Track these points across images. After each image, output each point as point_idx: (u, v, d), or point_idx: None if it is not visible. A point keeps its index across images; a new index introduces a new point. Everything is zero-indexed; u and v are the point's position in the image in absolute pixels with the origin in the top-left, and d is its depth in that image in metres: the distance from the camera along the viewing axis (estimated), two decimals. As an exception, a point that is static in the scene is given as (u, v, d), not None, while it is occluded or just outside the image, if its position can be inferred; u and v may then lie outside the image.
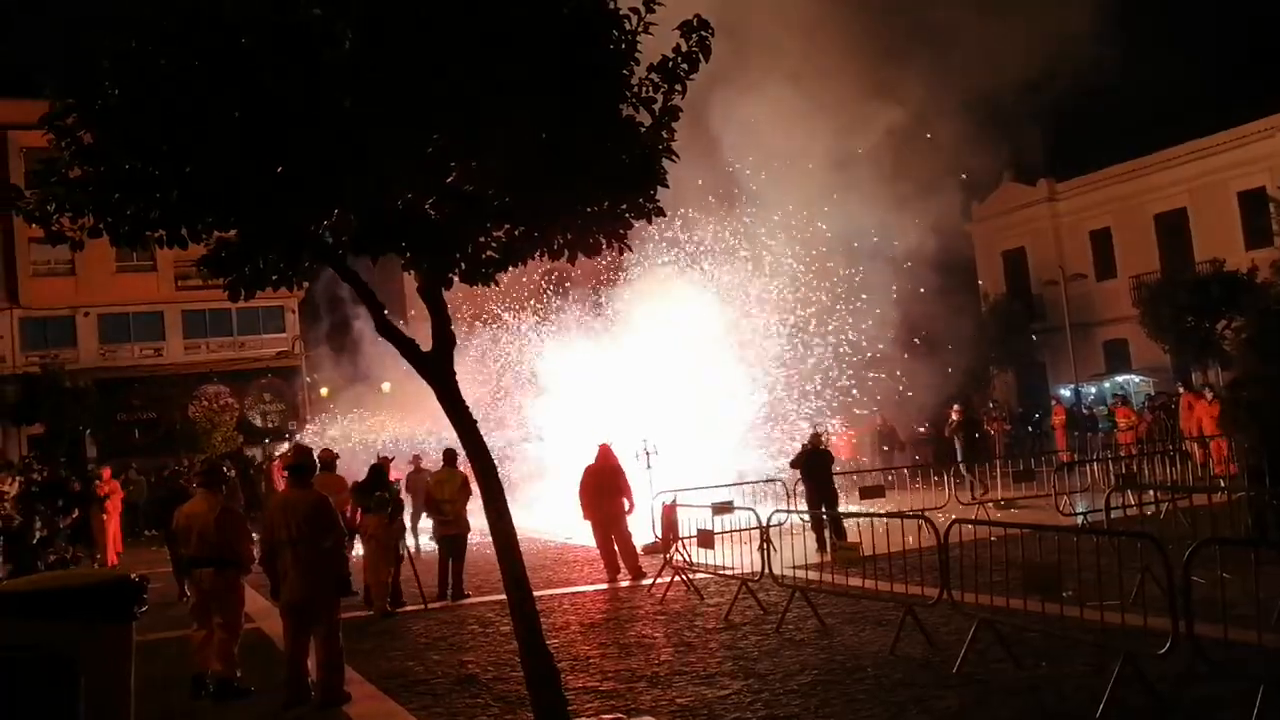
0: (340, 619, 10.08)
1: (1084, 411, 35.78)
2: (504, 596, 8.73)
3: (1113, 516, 13.02)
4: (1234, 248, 37.42)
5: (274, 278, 7.61)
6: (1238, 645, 7.58)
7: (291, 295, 38.27)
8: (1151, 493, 14.75)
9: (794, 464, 17.96)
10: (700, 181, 25.40)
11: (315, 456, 13.31)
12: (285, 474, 10.36)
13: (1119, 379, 39.94)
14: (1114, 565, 9.55)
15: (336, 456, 17.33)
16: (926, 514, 11.36)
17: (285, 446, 32.53)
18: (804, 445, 18.32)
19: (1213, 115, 40.25)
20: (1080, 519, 15.05)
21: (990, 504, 19.55)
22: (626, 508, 16.73)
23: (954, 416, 28.37)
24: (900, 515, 12.01)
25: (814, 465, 17.34)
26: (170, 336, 47.38)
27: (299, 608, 9.80)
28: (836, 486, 17.62)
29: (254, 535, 11.09)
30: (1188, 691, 8.05)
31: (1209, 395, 23.22)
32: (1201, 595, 8.08)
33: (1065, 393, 38.58)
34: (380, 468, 16.15)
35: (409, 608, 15.04)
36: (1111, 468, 19.52)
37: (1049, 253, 45.63)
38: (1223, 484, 17.66)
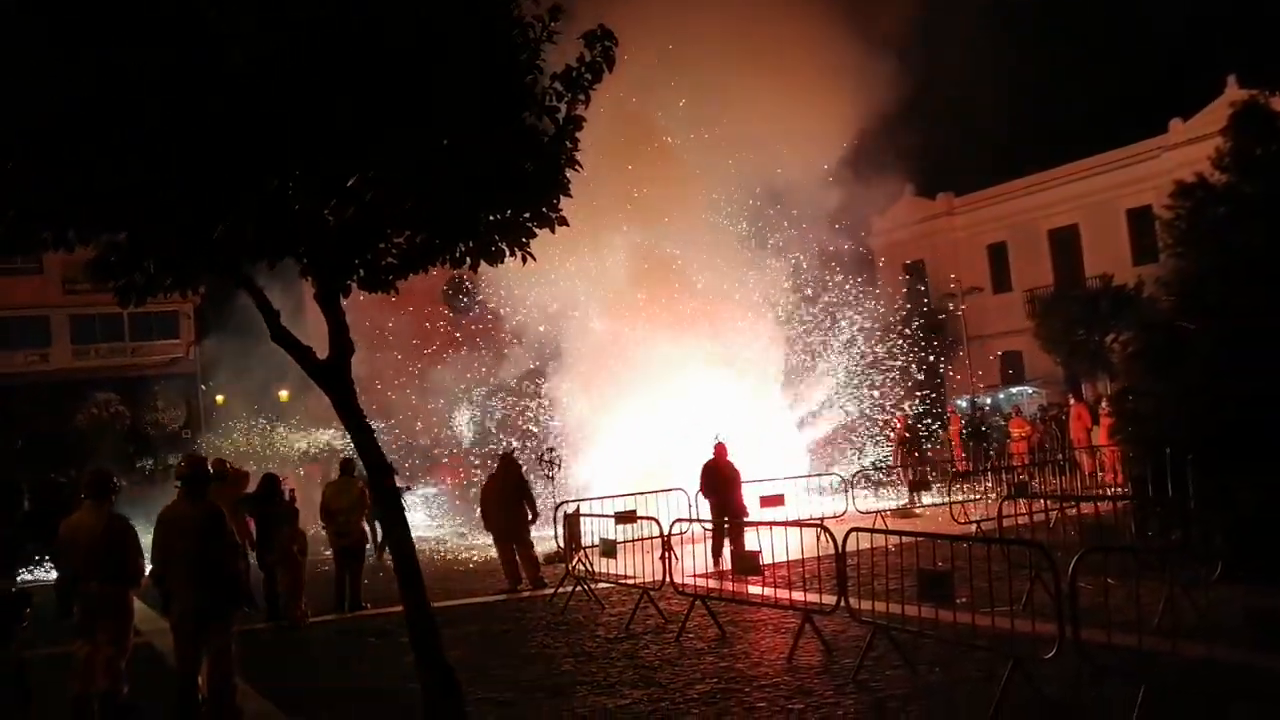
0: (234, 632, 9.86)
1: (980, 423, 36.47)
2: (402, 607, 8.64)
3: (1005, 525, 13.31)
4: (1123, 263, 38.56)
5: (166, 283, 7.44)
6: (1120, 649, 7.79)
7: (186, 300, 37.47)
8: (1042, 501, 15.09)
9: (702, 477, 17.88)
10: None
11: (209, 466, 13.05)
12: (178, 484, 10.07)
13: (1013, 390, 40.85)
14: (1006, 572, 9.79)
15: (227, 466, 17.10)
16: (825, 523, 11.49)
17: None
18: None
19: (1104, 135, 41.59)
20: (974, 527, 15.35)
21: (887, 513, 19.88)
22: (529, 517, 16.67)
23: (898, 424, 28.80)
24: (799, 524, 12.14)
25: (716, 477, 17.35)
26: (57, 341, 46.00)
27: (190, 622, 9.56)
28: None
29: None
30: (1074, 694, 8.26)
31: (1103, 407, 23.90)
32: (1088, 601, 8.30)
33: (962, 403, 39.34)
34: (273, 478, 15.96)
35: (310, 619, 14.82)
36: (1005, 477, 19.96)
37: (947, 266, 46.54)
38: (1109, 493, 18.16)
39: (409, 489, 23.63)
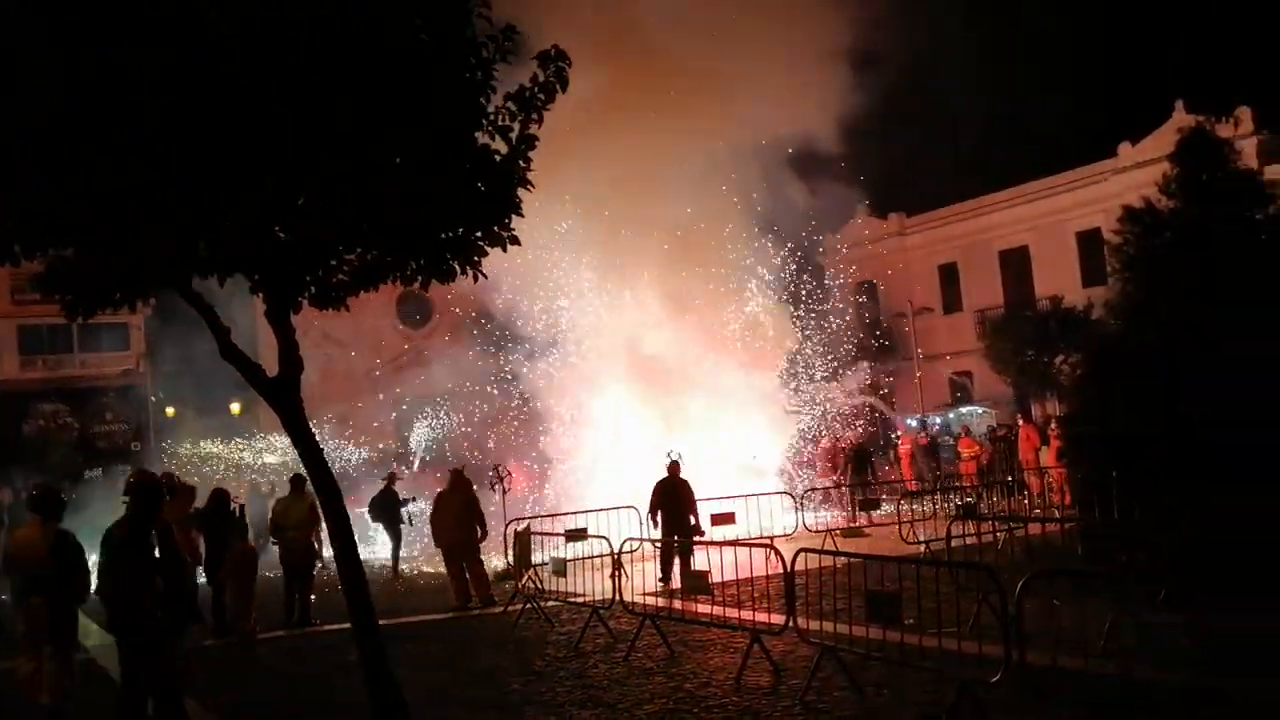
0: (181, 648, 9.74)
1: (930, 442, 36.76)
2: (351, 624, 8.59)
3: (954, 545, 13.41)
4: (1072, 285, 39.03)
5: (115, 297, 7.38)
6: (1066, 671, 7.87)
7: (136, 312, 37.05)
8: (990, 522, 15.21)
9: (654, 494, 17.82)
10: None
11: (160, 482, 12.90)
12: (125, 500, 9.94)
13: (963, 410, 41.19)
14: (953, 594, 9.87)
15: (175, 480, 16.97)
16: (775, 541, 11.53)
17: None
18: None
19: (1055, 157, 42.16)
20: (923, 548, 15.45)
21: (837, 533, 19.97)
22: (479, 534, 16.61)
23: (847, 444, 29.01)
24: (748, 543, 12.17)
25: (670, 494, 17.29)
26: (4, 352, 45.25)
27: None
28: (693, 517, 17.44)
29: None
30: (1019, 717, 8.32)
31: (1052, 428, 24.17)
32: (1034, 623, 8.38)
33: (912, 423, 39.62)
34: (223, 493, 15.90)
35: (259, 635, 14.68)
36: (954, 497, 20.11)
37: (899, 286, 46.90)
38: (1057, 514, 18.36)
39: (414, 499, 23.51)
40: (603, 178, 25.48)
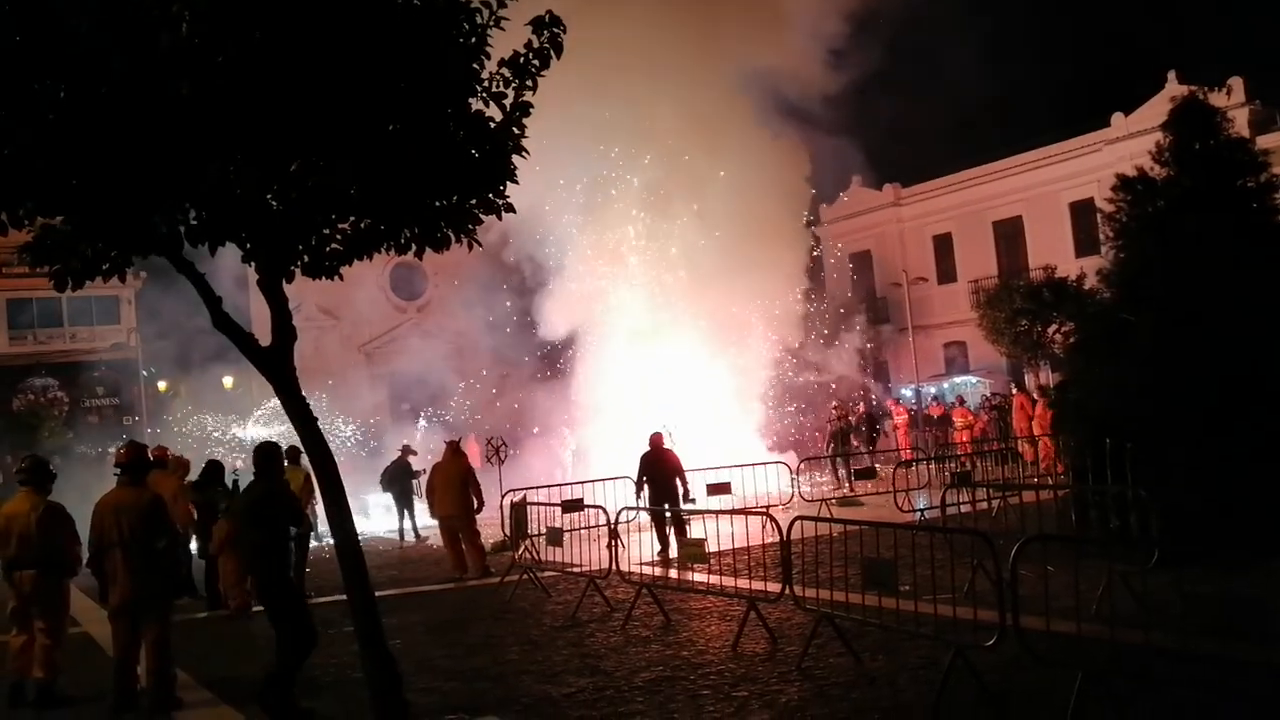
0: (171, 622, 9.73)
1: (925, 411, 36.85)
2: (346, 596, 8.57)
3: (949, 513, 13.42)
4: (1065, 255, 39.01)
5: (104, 267, 7.30)
6: (1060, 635, 7.88)
7: (127, 285, 36.94)
8: (985, 490, 15.24)
9: (640, 467, 17.82)
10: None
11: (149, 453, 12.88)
12: (117, 471, 9.90)
13: (957, 379, 41.23)
14: (948, 560, 9.89)
15: (168, 452, 17.00)
16: (770, 510, 11.53)
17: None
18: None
19: (1049, 128, 42.09)
20: (918, 515, 15.48)
21: (833, 501, 20.02)
22: (475, 505, 16.60)
23: (834, 414, 29.11)
24: (745, 512, 12.18)
25: (657, 466, 17.28)
26: (-7, 325, 45.04)
27: (128, 611, 9.43)
28: (680, 486, 17.44)
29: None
30: (1013, 681, 8.35)
31: (1040, 397, 24.24)
32: (1029, 588, 8.39)
33: (907, 393, 39.64)
34: (217, 464, 15.90)
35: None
36: (948, 466, 20.15)
37: (894, 256, 46.87)
38: (1050, 481, 18.40)
39: (424, 470, 23.69)
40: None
